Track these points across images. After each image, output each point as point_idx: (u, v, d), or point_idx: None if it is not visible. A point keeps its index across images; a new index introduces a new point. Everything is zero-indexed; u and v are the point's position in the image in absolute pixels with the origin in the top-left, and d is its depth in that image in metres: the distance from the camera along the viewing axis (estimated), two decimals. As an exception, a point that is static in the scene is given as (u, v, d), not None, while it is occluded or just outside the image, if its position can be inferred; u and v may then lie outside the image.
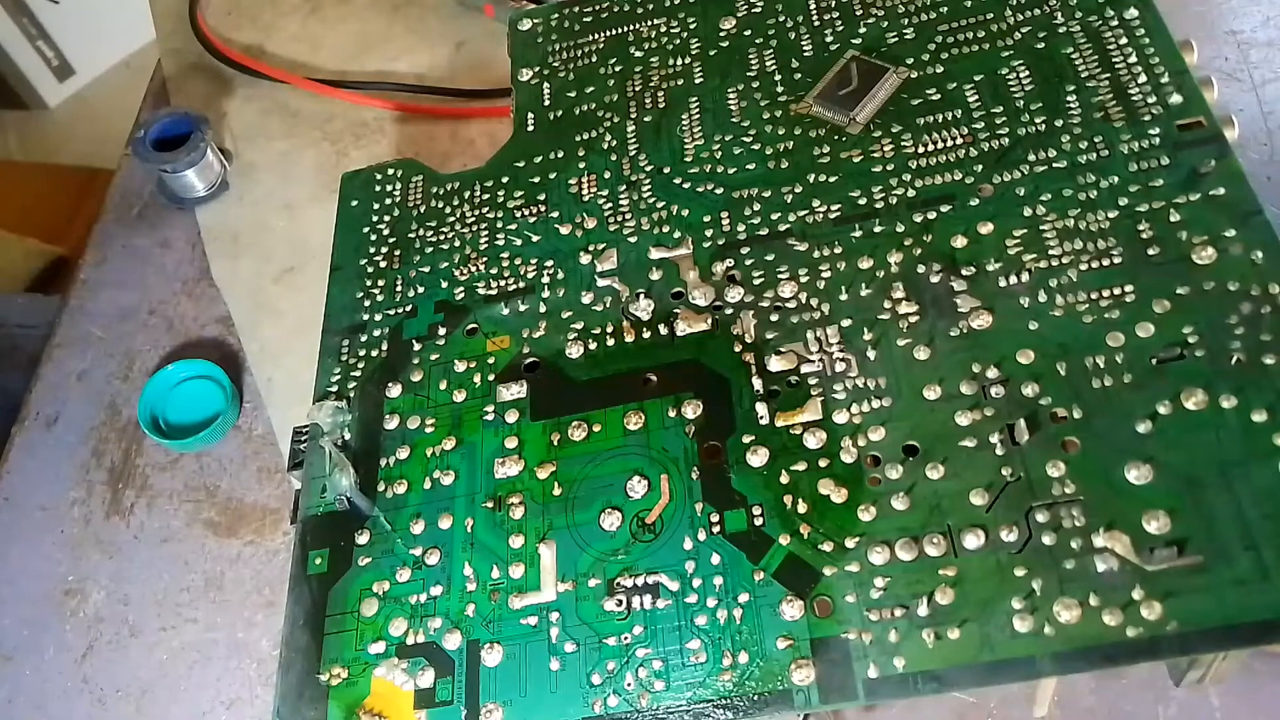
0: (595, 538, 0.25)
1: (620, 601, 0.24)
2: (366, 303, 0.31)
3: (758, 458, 0.25)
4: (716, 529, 0.24)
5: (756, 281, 0.28)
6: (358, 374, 0.30)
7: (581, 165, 0.32)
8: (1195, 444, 0.22)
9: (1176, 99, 0.27)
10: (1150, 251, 0.25)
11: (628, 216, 0.30)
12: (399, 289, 0.31)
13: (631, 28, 0.35)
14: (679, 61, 0.33)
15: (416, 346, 0.30)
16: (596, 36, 0.35)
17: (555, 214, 0.31)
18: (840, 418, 0.25)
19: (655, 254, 0.29)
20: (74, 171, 0.83)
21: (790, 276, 0.28)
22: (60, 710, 0.32)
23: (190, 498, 0.35)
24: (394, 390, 0.29)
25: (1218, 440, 0.22)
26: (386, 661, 0.25)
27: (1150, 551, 0.21)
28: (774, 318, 0.27)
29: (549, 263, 0.30)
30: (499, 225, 0.31)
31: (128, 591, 0.34)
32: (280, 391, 0.36)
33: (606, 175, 0.32)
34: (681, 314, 0.28)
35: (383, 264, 0.32)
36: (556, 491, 0.26)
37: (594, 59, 0.35)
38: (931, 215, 0.27)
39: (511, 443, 0.27)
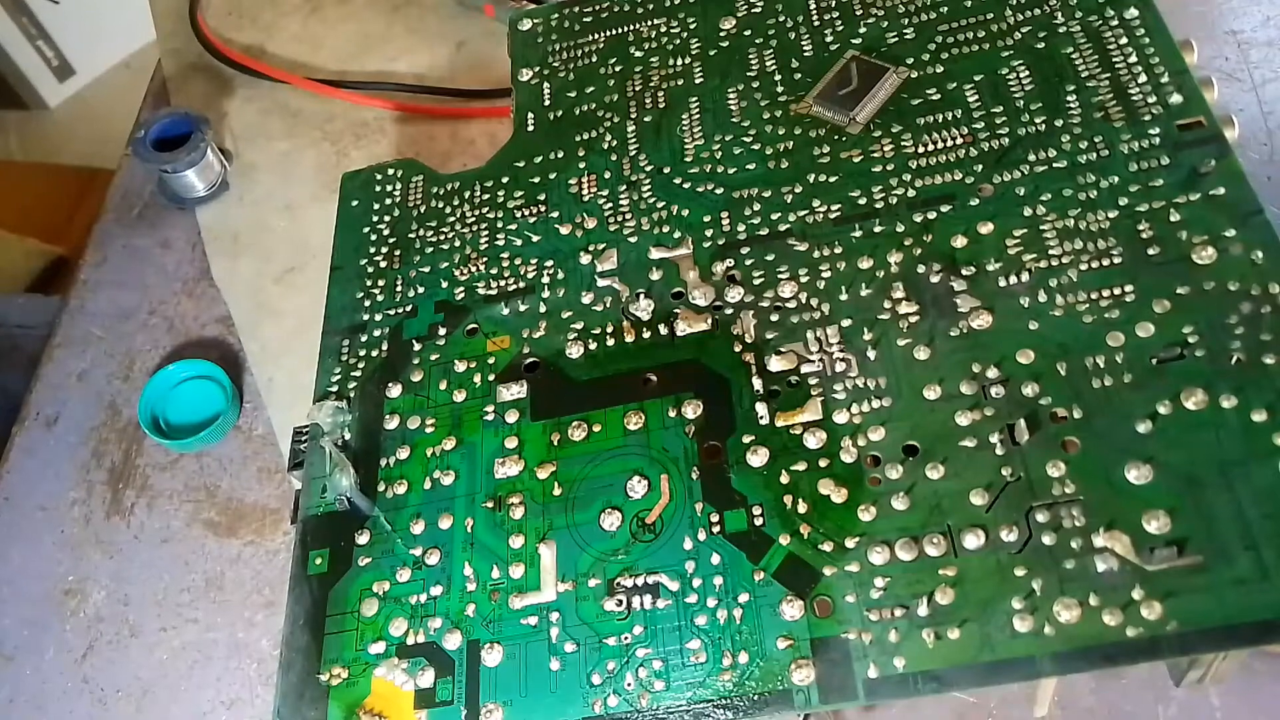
0: (595, 538, 0.25)
1: (620, 601, 0.24)
2: (367, 303, 0.31)
3: (758, 458, 0.25)
4: (716, 529, 0.24)
5: (756, 281, 0.28)
6: (358, 374, 0.30)
7: (581, 165, 0.32)
8: (1195, 444, 0.22)
9: (1176, 99, 0.27)
10: (1150, 251, 0.25)
11: (628, 216, 0.30)
12: (399, 289, 0.31)
13: (631, 28, 0.35)
14: (679, 61, 0.33)
15: (417, 346, 0.30)
16: (596, 36, 0.35)
17: (555, 214, 0.31)
18: (840, 418, 0.25)
19: (655, 254, 0.29)
20: (74, 171, 0.83)
21: (790, 276, 0.28)
22: (60, 710, 0.32)
23: (190, 498, 0.35)
24: (394, 390, 0.29)
25: (1218, 440, 0.22)
26: (387, 661, 0.25)
27: (1150, 551, 0.21)
28: (774, 318, 0.27)
29: (549, 263, 0.30)
30: (499, 225, 0.31)
31: (128, 591, 0.34)
32: (280, 391, 0.36)
33: (606, 175, 0.32)
34: (681, 314, 0.28)
35: (383, 264, 0.32)
36: (556, 491, 0.26)
37: (594, 59, 0.35)
38: (931, 215, 0.27)
39: (511, 443, 0.27)
